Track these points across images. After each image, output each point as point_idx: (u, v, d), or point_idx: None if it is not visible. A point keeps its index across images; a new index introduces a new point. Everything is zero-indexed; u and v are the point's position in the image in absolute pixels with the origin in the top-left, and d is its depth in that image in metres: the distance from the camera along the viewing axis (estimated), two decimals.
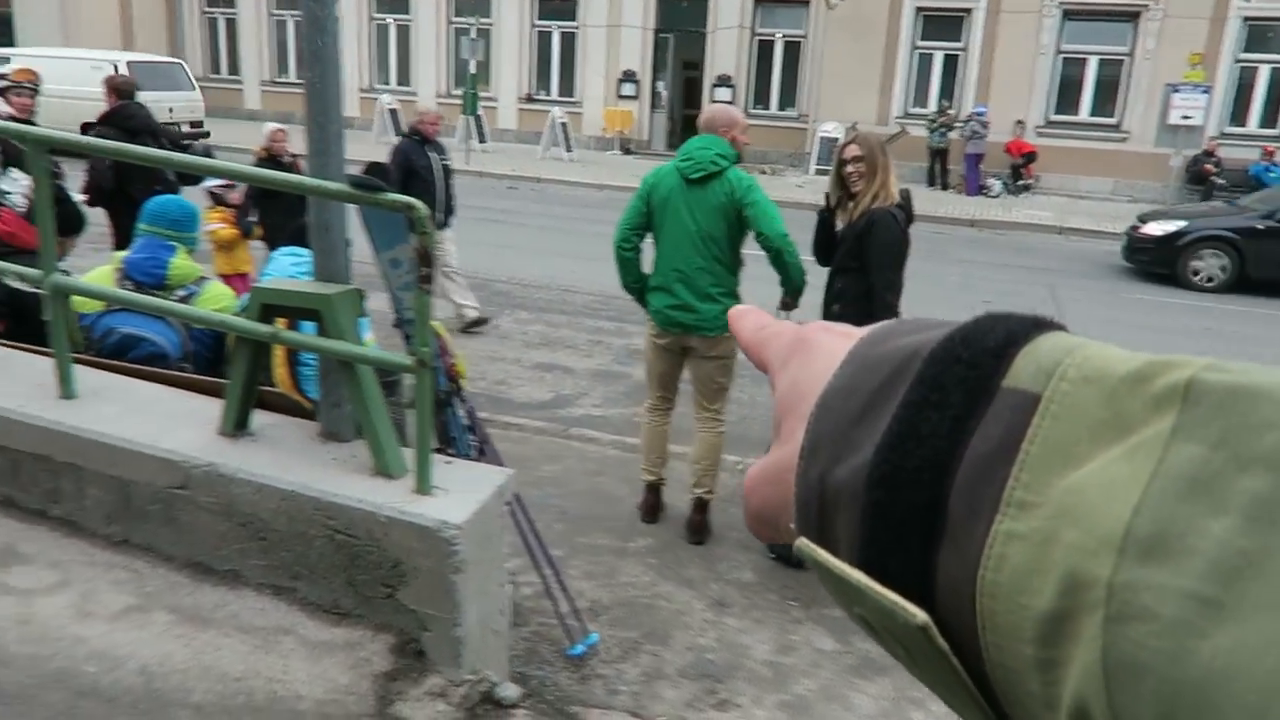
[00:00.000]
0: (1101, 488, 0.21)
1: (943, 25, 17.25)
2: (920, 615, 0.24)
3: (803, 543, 0.28)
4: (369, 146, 12.83)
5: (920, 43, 17.39)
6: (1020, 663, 0.22)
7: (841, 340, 0.32)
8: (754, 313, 0.39)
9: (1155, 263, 10.32)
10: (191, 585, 2.47)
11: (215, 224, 5.50)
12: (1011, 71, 16.54)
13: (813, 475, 0.28)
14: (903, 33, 17.23)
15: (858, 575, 0.26)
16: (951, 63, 17.29)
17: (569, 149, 17.66)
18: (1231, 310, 9.12)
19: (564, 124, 17.82)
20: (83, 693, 2.10)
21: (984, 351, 0.25)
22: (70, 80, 13.43)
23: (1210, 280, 10.07)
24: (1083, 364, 0.24)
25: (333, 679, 2.24)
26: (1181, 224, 10.38)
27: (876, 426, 0.26)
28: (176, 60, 16.95)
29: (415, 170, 5.92)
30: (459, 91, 17.67)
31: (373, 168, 3.62)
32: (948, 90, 17.19)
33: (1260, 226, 10.02)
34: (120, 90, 5.34)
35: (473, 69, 16.57)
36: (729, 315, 0.40)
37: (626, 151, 19.08)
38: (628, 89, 19.41)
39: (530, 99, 20.20)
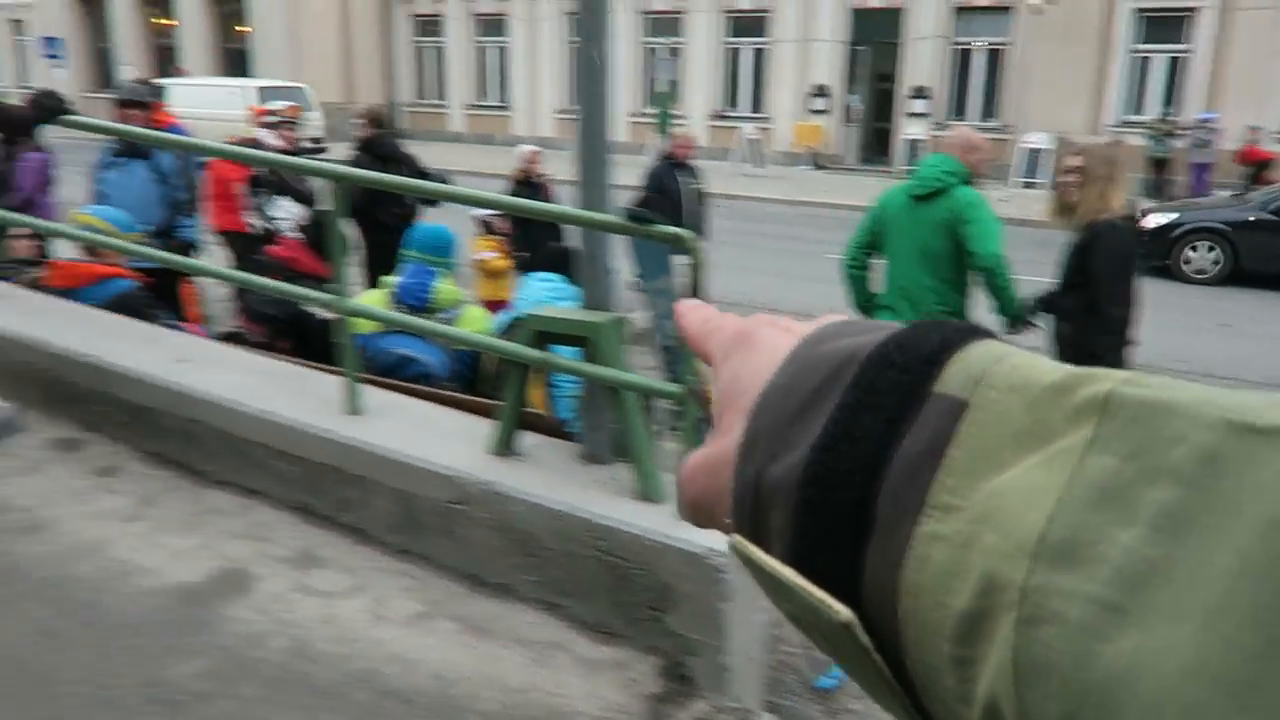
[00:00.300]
0: (1020, 494, 0.22)
1: (1164, 26, 16.12)
2: (844, 613, 0.25)
3: (735, 539, 0.29)
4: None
5: (1138, 46, 16.30)
6: (939, 660, 0.23)
7: (784, 336, 0.32)
8: (702, 307, 0.39)
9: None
10: (469, 596, 2.62)
11: (487, 253, 5.81)
12: (1246, 73, 15.23)
13: (749, 472, 0.29)
14: (1118, 36, 16.21)
15: (787, 572, 0.26)
16: (1174, 66, 16.10)
17: (760, 165, 17.66)
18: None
19: (755, 140, 17.83)
20: (385, 693, 2.27)
21: (918, 357, 0.26)
22: (219, 105, 16.73)
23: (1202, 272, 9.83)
24: (1010, 373, 0.24)
25: (606, 697, 2.31)
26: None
27: (812, 426, 0.27)
28: (300, 85, 18.26)
29: (665, 192, 6.10)
30: (653, 110, 18.03)
31: (645, 201, 3.74)
32: (1169, 95, 16.01)
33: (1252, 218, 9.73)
34: (375, 120, 5.76)
35: (664, 88, 16.88)
36: (675, 310, 0.41)
37: (818, 167, 18.87)
38: (819, 103, 19.22)
39: (719, 116, 20.35)
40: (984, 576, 0.22)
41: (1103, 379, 0.23)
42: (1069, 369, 0.24)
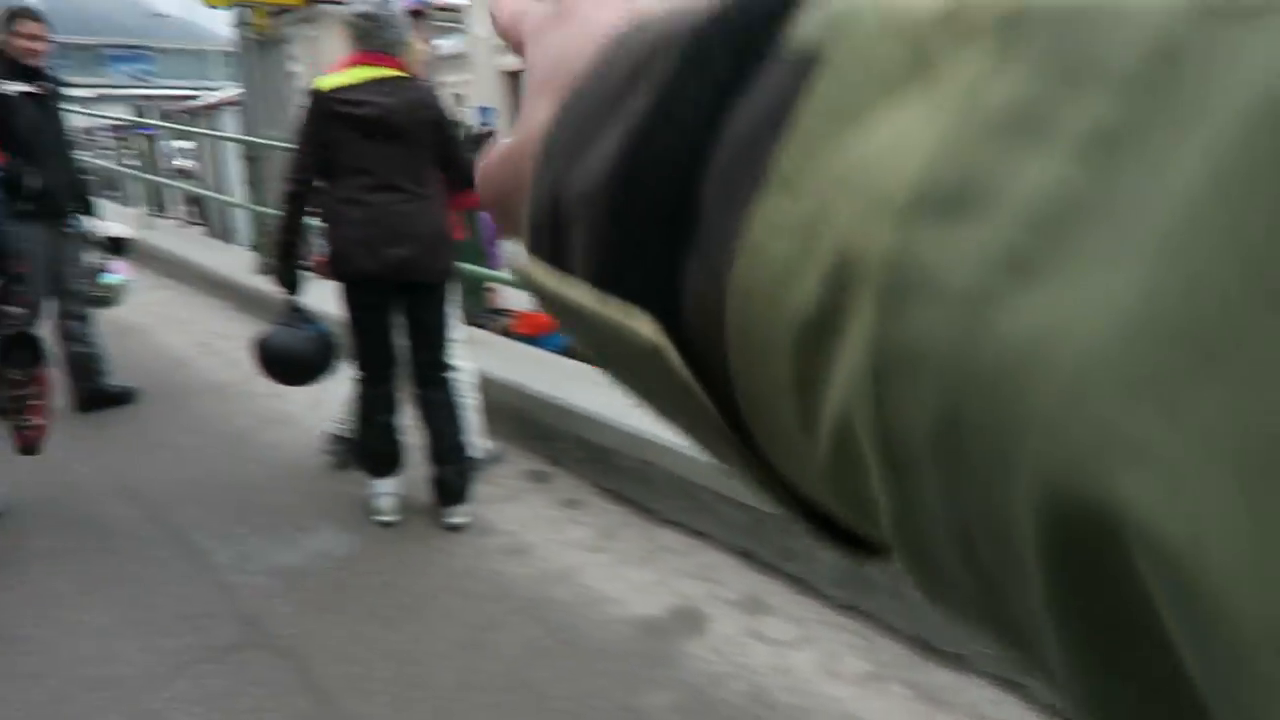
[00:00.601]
0: (889, 146, 0.15)
1: None
2: (648, 334, 0.19)
3: (520, 260, 0.22)
4: None
5: None
6: (775, 383, 0.17)
7: (610, 12, 0.24)
8: None
9: None
10: (921, 661, 2.56)
11: None
12: None
13: (547, 180, 0.22)
14: None
15: (577, 294, 0.20)
16: None
17: None
18: None
19: None
20: None
21: (762, 9, 0.18)
22: None
23: None
24: (881, 9, 0.16)
25: None
26: None
27: (627, 115, 0.20)
28: None
29: None
30: None
31: None
32: None
33: None
34: None
35: None
36: (490, 5, 0.31)
37: None
38: None
39: None
40: (835, 257, 0.15)
41: None
42: None
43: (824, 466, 0.17)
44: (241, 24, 5.81)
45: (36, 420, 3.53)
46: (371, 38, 2.98)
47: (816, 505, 0.19)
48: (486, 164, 0.27)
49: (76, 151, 4.44)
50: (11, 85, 4.00)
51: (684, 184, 0.18)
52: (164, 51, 56.88)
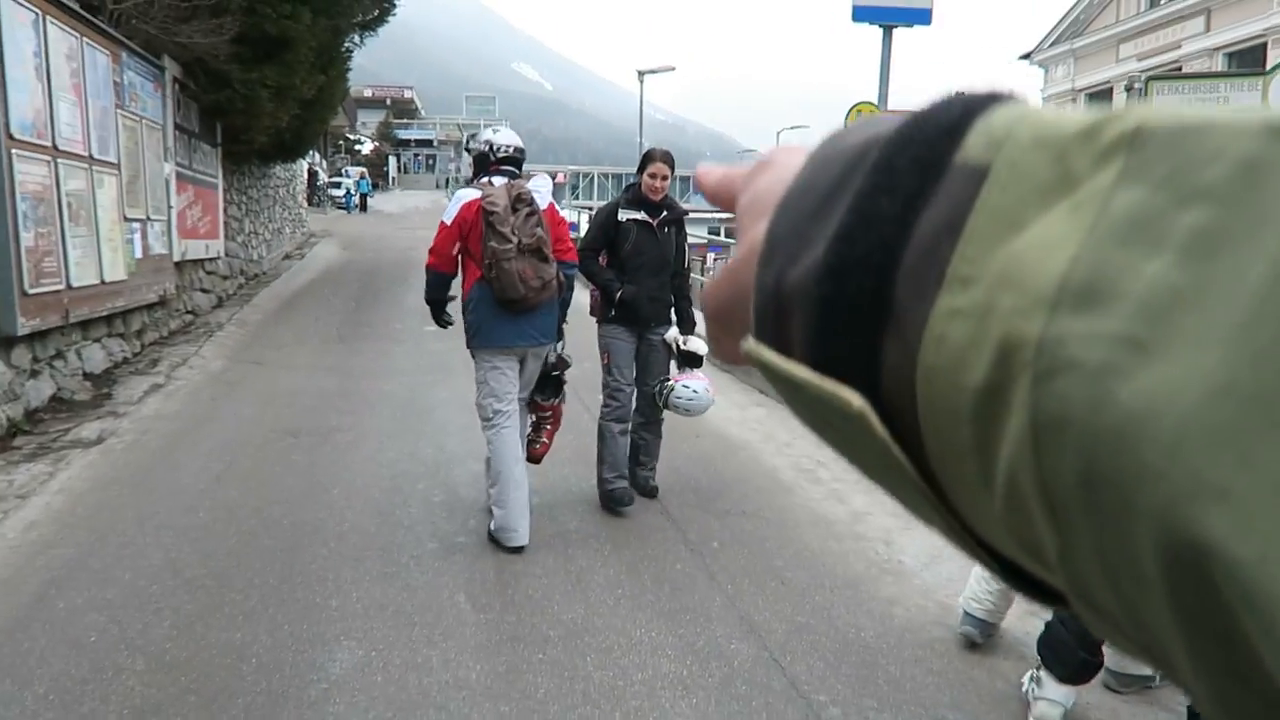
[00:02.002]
0: (1040, 248, 0.20)
1: None
2: (856, 400, 0.22)
3: (749, 343, 0.26)
4: None
5: None
6: (958, 446, 0.21)
7: (801, 154, 0.29)
8: (719, 166, 0.36)
9: None
10: None
11: None
12: None
13: (769, 279, 0.26)
14: None
15: (793, 367, 0.24)
16: None
17: None
18: None
19: None
20: None
21: (938, 130, 0.23)
22: None
23: None
24: (1034, 128, 0.22)
25: None
26: None
27: (831, 221, 0.24)
28: None
29: None
30: None
31: None
32: None
33: None
34: None
35: None
36: (695, 176, 0.39)
37: None
38: None
39: None
40: (1000, 342, 0.19)
41: (1131, 114, 0.20)
42: (1098, 113, 0.21)
43: (1002, 516, 0.20)
44: None
45: (545, 440, 4.60)
46: None
47: (1003, 553, 0.22)
48: (711, 283, 0.31)
49: (679, 273, 4.85)
50: (628, 213, 4.71)
51: (881, 280, 0.23)
52: None
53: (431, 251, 4.26)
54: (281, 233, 18.24)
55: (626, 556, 4.06)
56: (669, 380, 4.74)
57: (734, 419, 6.47)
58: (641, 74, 25.12)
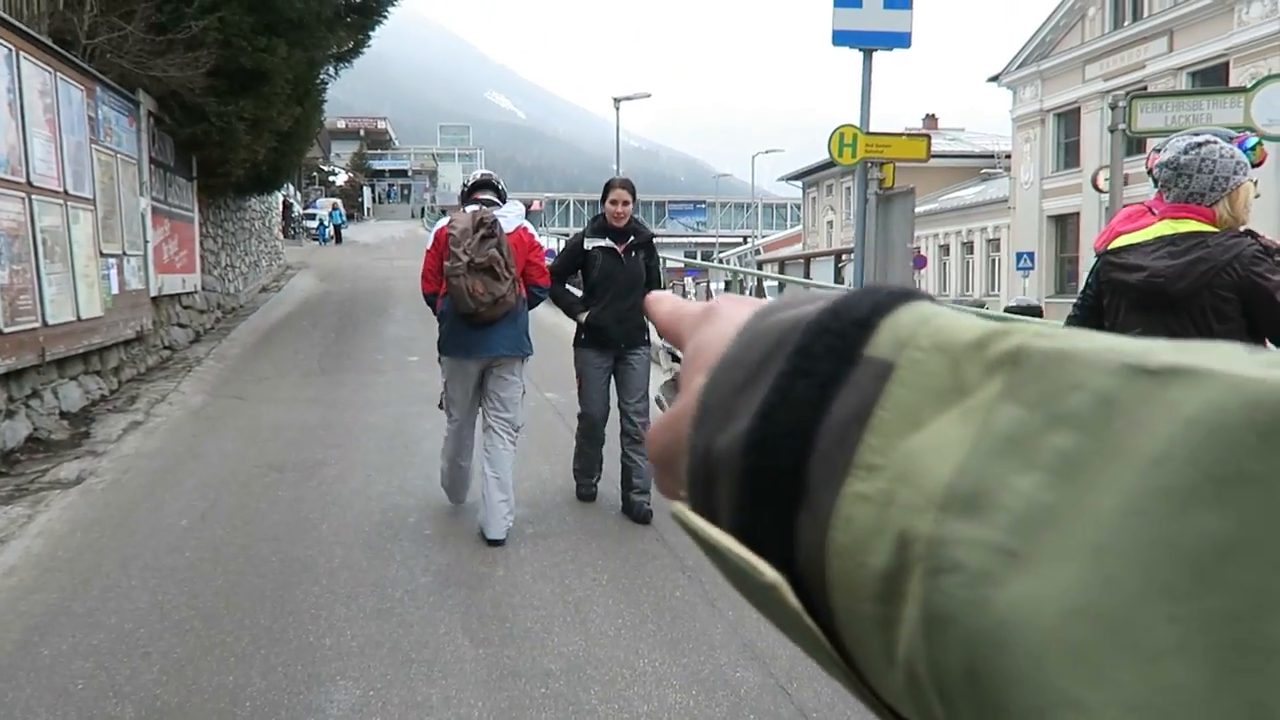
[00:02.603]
0: (934, 449, 0.22)
1: None
2: (769, 574, 0.24)
3: (676, 508, 0.28)
4: None
5: None
6: (864, 621, 0.22)
7: (743, 308, 0.32)
8: (670, 296, 0.40)
9: None
10: None
11: None
12: None
13: (699, 443, 0.28)
14: None
15: (717, 535, 0.26)
16: None
17: None
18: None
19: None
20: None
21: (852, 323, 0.26)
22: None
23: None
24: (934, 333, 0.24)
25: None
26: None
27: (756, 396, 0.26)
28: None
29: None
30: None
31: None
32: None
33: None
34: None
35: None
36: (645, 302, 0.41)
37: None
38: None
39: None
40: (899, 533, 0.21)
41: (1016, 333, 0.23)
42: (988, 325, 0.24)
43: (903, 693, 0.22)
44: (869, 179, 5.86)
45: None
46: (1171, 186, 2.56)
47: None
48: (654, 429, 0.33)
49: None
50: (594, 241, 5.01)
51: (797, 458, 0.25)
52: (714, 205, 64.27)
53: (421, 276, 4.86)
54: (258, 265, 18.11)
55: (624, 585, 4.01)
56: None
57: None
58: (617, 101, 25.29)
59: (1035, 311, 6.53)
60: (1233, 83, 19.04)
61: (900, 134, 6.06)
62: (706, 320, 0.34)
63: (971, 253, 32.63)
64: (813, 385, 0.25)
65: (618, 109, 25.08)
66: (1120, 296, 2.51)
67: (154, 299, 9.75)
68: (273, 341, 11.72)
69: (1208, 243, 2.42)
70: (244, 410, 7.73)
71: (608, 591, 3.93)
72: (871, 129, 5.91)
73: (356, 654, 3.37)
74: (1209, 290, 2.37)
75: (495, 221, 4.57)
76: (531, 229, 4.86)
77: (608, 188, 5.06)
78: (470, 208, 4.69)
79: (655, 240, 5.27)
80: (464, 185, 5.09)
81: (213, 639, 3.49)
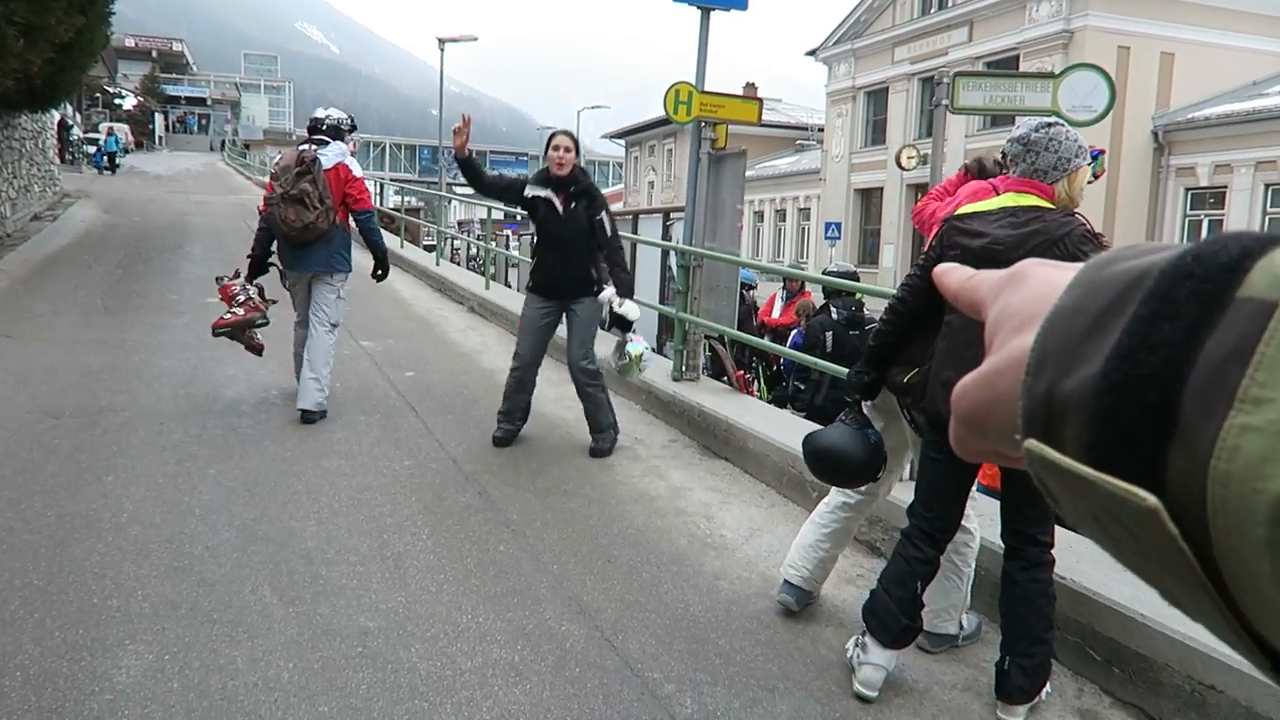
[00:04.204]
0: None
1: None
2: (1150, 498, 0.25)
3: (1031, 443, 0.29)
4: None
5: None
6: (1251, 545, 0.23)
7: (1058, 271, 0.33)
8: (961, 268, 0.40)
9: None
10: None
11: None
12: None
13: (1039, 389, 0.29)
14: None
15: (1083, 469, 0.27)
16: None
17: None
18: None
19: None
20: None
21: (1218, 267, 0.26)
22: None
23: None
24: None
25: None
26: None
27: (1105, 341, 0.27)
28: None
29: None
30: None
31: None
32: None
33: None
34: None
35: None
36: (935, 274, 0.42)
37: None
38: None
39: None
40: None
41: None
42: None
43: None
44: (701, 138, 5.87)
45: (224, 316, 5.67)
46: (1019, 161, 2.71)
47: None
48: (962, 386, 0.34)
49: (608, 246, 5.01)
50: (534, 189, 4.99)
51: (1164, 396, 0.25)
52: (537, 158, 63.42)
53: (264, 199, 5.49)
54: (29, 190, 16.25)
55: (445, 539, 3.88)
56: (626, 343, 5.11)
57: (549, 396, 6.35)
58: (442, 42, 24.33)
59: (853, 277, 6.82)
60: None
61: (735, 95, 6.11)
62: (1014, 284, 0.35)
63: (784, 220, 33.88)
64: (1178, 328, 0.26)
65: (442, 50, 24.12)
66: (962, 260, 2.63)
67: None
68: (48, 276, 10.58)
69: (1044, 218, 2.59)
70: (13, 350, 6.93)
71: (428, 547, 3.79)
72: (708, 87, 5.94)
73: (149, 616, 3.09)
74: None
75: (315, 160, 5.36)
76: (350, 164, 5.57)
77: (551, 137, 4.97)
78: (302, 146, 5.49)
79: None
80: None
81: None
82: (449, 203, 25.89)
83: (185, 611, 3.13)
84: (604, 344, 5.42)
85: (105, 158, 31.62)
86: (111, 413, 5.40)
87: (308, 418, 5.33)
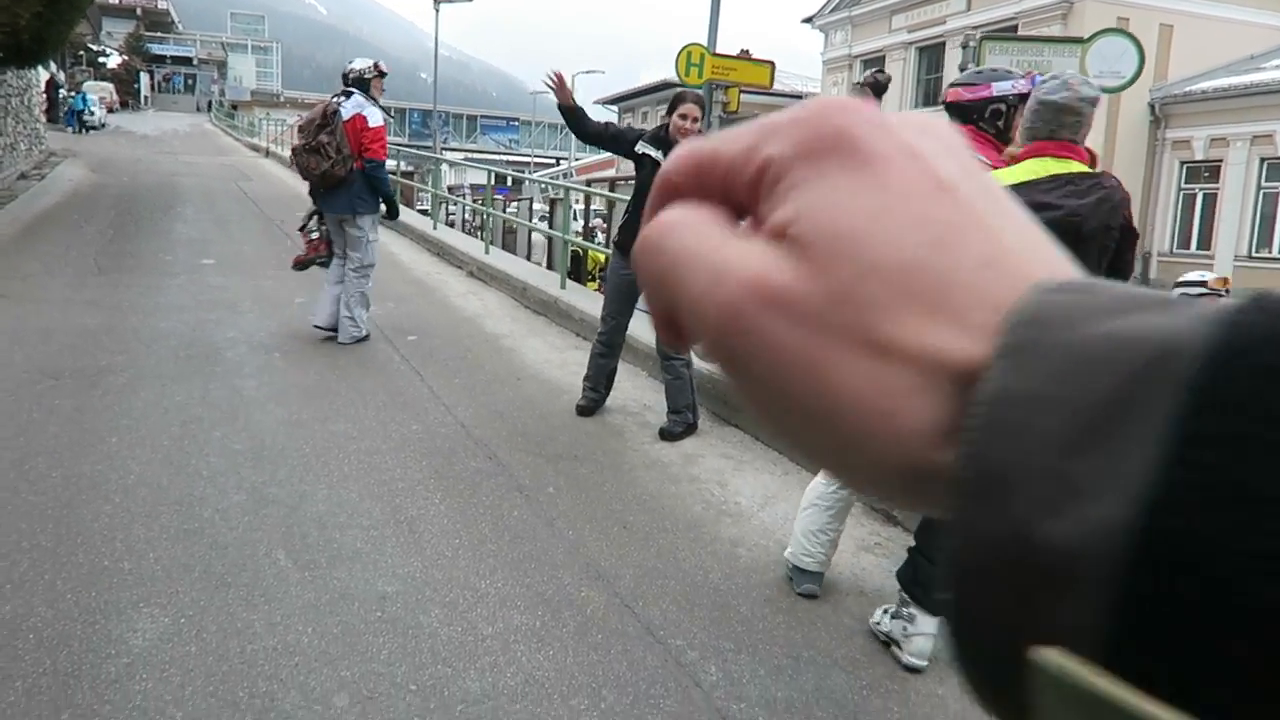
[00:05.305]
0: None
1: None
2: None
3: (1050, 659, 0.16)
4: None
5: None
6: None
7: (915, 170, 0.21)
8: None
9: None
10: None
11: None
12: None
13: (1001, 528, 0.18)
14: None
15: (1152, 707, 0.15)
16: None
17: None
18: None
19: None
20: None
21: None
22: None
23: None
24: None
25: None
26: None
27: (1118, 464, 0.17)
28: None
29: None
30: None
31: None
32: None
33: None
34: None
35: None
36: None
37: None
38: None
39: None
40: None
41: None
42: None
43: None
44: (713, 101, 5.77)
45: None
46: (1055, 126, 2.56)
47: None
48: (655, 236, 0.24)
49: None
50: (645, 147, 4.77)
51: (1246, 570, 0.15)
52: (529, 124, 62.87)
53: None
54: (15, 149, 15.97)
55: (458, 504, 3.83)
56: None
57: (554, 361, 6.30)
58: (437, 2, 23.96)
59: None
60: None
61: (747, 58, 6.01)
62: (848, 166, 0.21)
63: None
64: (1261, 457, 0.16)
65: (437, 11, 23.76)
66: None
67: None
68: (38, 235, 10.40)
69: (1103, 183, 2.50)
70: (6, 310, 6.81)
71: (442, 512, 3.74)
72: (720, 50, 5.83)
73: (162, 578, 3.04)
74: (1105, 230, 2.45)
75: (335, 112, 5.99)
76: (368, 114, 6.04)
77: (678, 99, 4.69)
78: (330, 99, 6.15)
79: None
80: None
81: None
82: (441, 167, 25.67)
83: (199, 574, 3.08)
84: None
85: (75, 117, 30.81)
86: (112, 374, 5.31)
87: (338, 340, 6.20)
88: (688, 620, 3.07)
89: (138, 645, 2.66)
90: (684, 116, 4.63)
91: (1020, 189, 2.52)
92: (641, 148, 4.77)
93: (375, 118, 6.08)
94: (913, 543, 3.01)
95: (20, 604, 2.82)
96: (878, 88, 3.54)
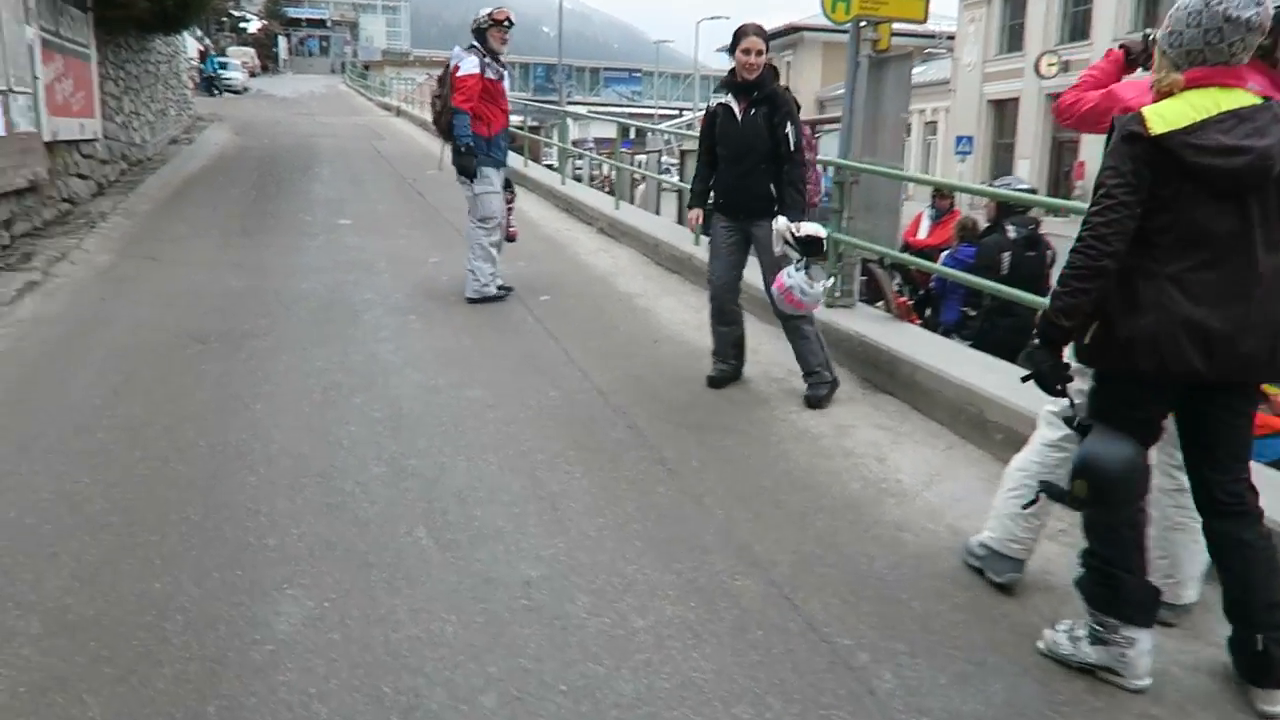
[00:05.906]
0: None
1: None
2: None
3: None
4: None
5: None
6: None
7: None
8: None
9: None
10: None
11: None
12: None
13: None
14: None
15: None
16: None
17: None
18: None
19: None
20: None
21: None
22: None
23: None
24: None
25: None
26: None
27: None
28: None
29: None
30: None
31: None
32: None
33: None
34: None
35: None
36: None
37: None
38: None
39: None
40: None
41: None
42: None
43: None
44: (861, 39, 5.31)
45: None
46: (1241, 48, 2.15)
47: None
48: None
49: (786, 159, 4.44)
50: (717, 98, 4.58)
51: None
52: (651, 75, 62.15)
53: None
54: (166, 114, 16.66)
55: (600, 479, 3.64)
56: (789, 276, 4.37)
57: (690, 323, 6.04)
58: None
59: (1032, 193, 6.19)
60: None
61: None
62: None
63: (909, 135, 32.23)
64: None
65: None
66: (1196, 182, 2.14)
67: (48, 144, 8.73)
68: (187, 198, 10.78)
69: (1278, 115, 2.12)
70: (157, 273, 7.02)
71: (584, 487, 3.56)
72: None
73: (306, 557, 2.95)
74: None
75: (452, 66, 6.17)
76: (462, 63, 6.08)
77: (740, 34, 4.45)
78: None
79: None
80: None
81: (134, 537, 3.03)
82: (566, 120, 25.59)
83: (341, 553, 2.99)
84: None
85: (207, 82, 31.69)
86: (254, 337, 5.36)
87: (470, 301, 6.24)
88: (853, 616, 2.78)
89: (283, 630, 2.57)
90: (747, 51, 4.38)
91: (1195, 130, 2.10)
92: (714, 100, 4.63)
93: (466, 66, 6.07)
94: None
95: (169, 581, 2.78)
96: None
